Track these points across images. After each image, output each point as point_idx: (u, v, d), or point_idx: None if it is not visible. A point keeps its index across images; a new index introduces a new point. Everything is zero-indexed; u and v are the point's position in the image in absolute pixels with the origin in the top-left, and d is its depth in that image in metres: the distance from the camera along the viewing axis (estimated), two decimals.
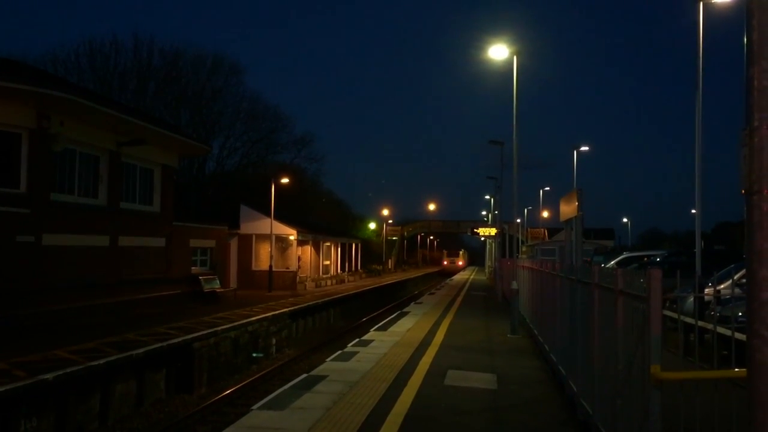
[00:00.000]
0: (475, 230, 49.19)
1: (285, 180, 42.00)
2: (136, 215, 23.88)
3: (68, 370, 11.83)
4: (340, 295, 35.30)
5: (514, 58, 20.78)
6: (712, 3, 16.39)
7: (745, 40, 3.03)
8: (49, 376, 11.26)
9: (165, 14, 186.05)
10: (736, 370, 5.09)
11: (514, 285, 19.05)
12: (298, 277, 39.44)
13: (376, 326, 19.86)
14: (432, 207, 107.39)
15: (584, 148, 45.65)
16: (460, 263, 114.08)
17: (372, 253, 77.20)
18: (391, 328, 19.03)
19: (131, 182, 24.16)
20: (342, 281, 50.18)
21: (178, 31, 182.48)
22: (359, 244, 63.49)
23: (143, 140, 22.93)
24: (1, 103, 17.54)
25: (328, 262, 49.68)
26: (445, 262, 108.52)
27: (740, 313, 11.04)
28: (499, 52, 20.50)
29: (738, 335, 6.47)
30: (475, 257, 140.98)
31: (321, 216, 65.09)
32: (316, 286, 41.97)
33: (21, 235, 17.57)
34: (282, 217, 39.18)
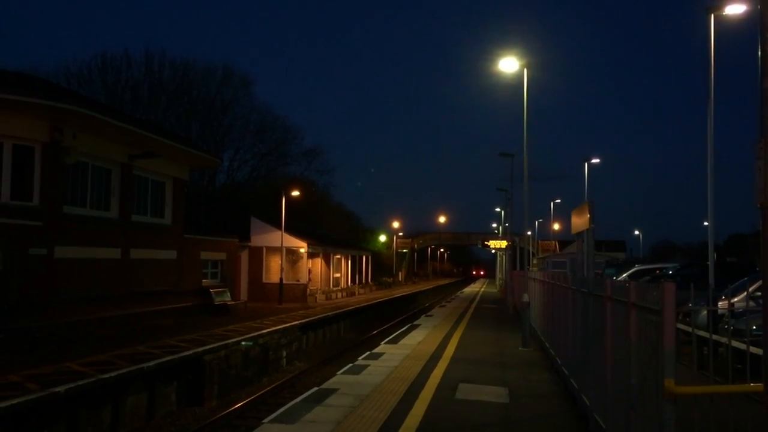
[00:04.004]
0: (486, 242, 48.99)
1: (295, 192, 42.09)
2: (148, 228, 23.98)
3: (80, 382, 11.85)
4: (350, 308, 35.25)
5: (524, 70, 20.82)
6: (723, 15, 16.37)
7: (759, 53, 3.02)
8: (60, 388, 11.28)
9: (175, 27, 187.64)
10: (752, 384, 5.05)
11: (525, 298, 18.97)
12: (308, 290, 39.41)
13: (387, 339, 19.83)
14: (442, 219, 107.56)
15: (595, 161, 45.49)
16: (482, 272, 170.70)
17: (382, 266, 77.08)
18: (402, 341, 18.99)
19: (143, 195, 24.27)
20: (352, 294, 50.11)
21: (188, 43, 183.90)
22: (369, 257, 63.43)
23: (155, 153, 23.07)
24: (14, 117, 17.71)
25: (338, 275, 49.65)
26: (474, 272, 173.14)
27: (754, 327, 10.94)
28: (509, 64, 20.55)
29: (753, 349, 6.42)
30: (486, 270, 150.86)
31: (331, 228, 65.10)
32: (327, 299, 41.93)
33: (33, 248, 17.67)
34: (292, 230, 39.22)
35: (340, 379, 12.53)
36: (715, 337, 9.76)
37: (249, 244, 37.83)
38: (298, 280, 39.33)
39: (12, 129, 17.87)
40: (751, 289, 13.36)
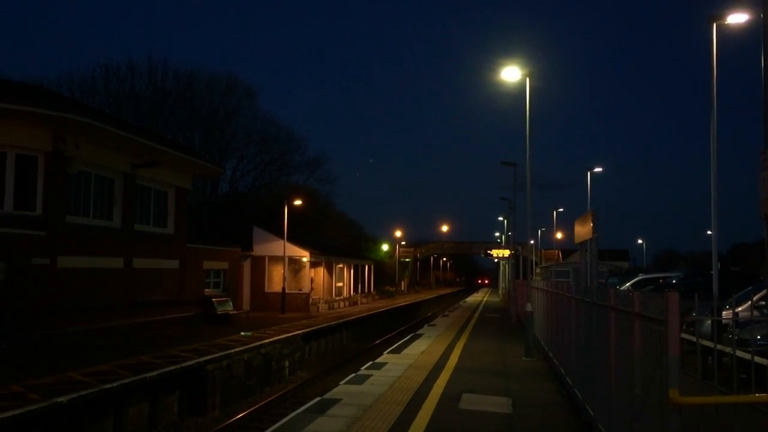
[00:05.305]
0: (489, 251, 48.99)
1: (298, 201, 42.13)
2: (150, 237, 23.99)
3: (82, 392, 11.83)
4: (353, 317, 35.19)
5: (527, 80, 20.86)
6: (726, 24, 16.39)
7: (762, 64, 3.02)
8: (63, 398, 11.26)
9: (180, 37, 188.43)
10: (757, 395, 5.02)
11: (529, 307, 18.93)
12: (310, 299, 39.39)
13: (390, 348, 19.78)
14: (445, 228, 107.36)
15: (598, 170, 45.51)
16: (486, 281, 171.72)
17: (385, 275, 76.96)
18: (405, 351, 18.94)
19: (145, 204, 24.30)
20: (355, 303, 50.04)
21: (192, 53, 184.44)
22: (372, 266, 63.37)
23: (158, 162, 23.09)
24: (18, 126, 17.77)
25: (340, 284, 49.61)
26: (479, 281, 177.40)
27: (759, 336, 10.90)
28: (511, 74, 20.59)
29: (757, 359, 6.39)
30: (490, 279, 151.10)
31: (334, 237, 65.09)
32: (329, 308, 41.88)
33: (36, 258, 17.68)
34: (295, 239, 39.24)
35: (342, 389, 12.48)
36: (719, 346, 9.73)
37: (251, 253, 37.84)
38: (301, 290, 39.31)
39: (15, 139, 17.92)
40: (755, 299, 13.31)
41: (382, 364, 15.87)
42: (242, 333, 18.36)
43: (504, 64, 20.59)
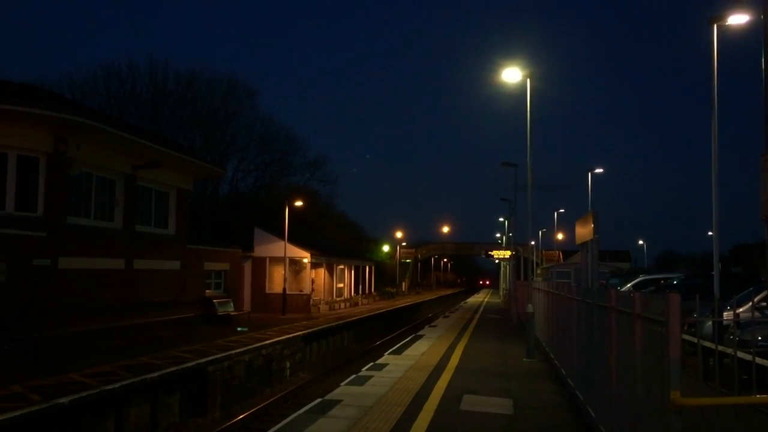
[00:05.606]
0: (490, 252, 48.82)
1: (299, 203, 42.11)
2: (151, 238, 23.98)
3: (83, 393, 11.84)
4: (353, 318, 35.19)
5: (527, 81, 20.88)
6: (726, 25, 16.40)
7: (763, 65, 3.01)
8: (64, 399, 11.27)
9: (180, 37, 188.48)
10: (758, 396, 5.02)
11: (530, 308, 18.93)
12: (311, 300, 39.39)
13: (391, 350, 19.78)
14: (446, 229, 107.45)
15: (598, 170, 45.55)
16: (487, 282, 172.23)
17: (386, 276, 76.95)
18: (406, 352, 18.94)
19: (146, 205, 24.29)
20: (356, 304, 50.03)
21: (193, 54, 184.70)
22: (373, 267, 63.36)
23: (159, 163, 23.08)
24: (19, 128, 17.77)
25: (341, 285, 49.60)
26: (481, 282, 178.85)
27: (760, 337, 10.90)
28: (512, 75, 20.62)
29: (759, 360, 6.38)
30: (491, 280, 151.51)
31: (334, 238, 65.05)
32: (330, 309, 41.88)
33: (37, 259, 17.67)
34: (295, 240, 39.24)
35: (343, 390, 12.49)
36: (720, 348, 9.73)
37: (252, 254, 37.85)
38: (302, 291, 39.31)
39: (16, 140, 17.93)
40: (756, 300, 13.31)
41: (383, 365, 15.88)
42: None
43: (505, 66, 20.62)
